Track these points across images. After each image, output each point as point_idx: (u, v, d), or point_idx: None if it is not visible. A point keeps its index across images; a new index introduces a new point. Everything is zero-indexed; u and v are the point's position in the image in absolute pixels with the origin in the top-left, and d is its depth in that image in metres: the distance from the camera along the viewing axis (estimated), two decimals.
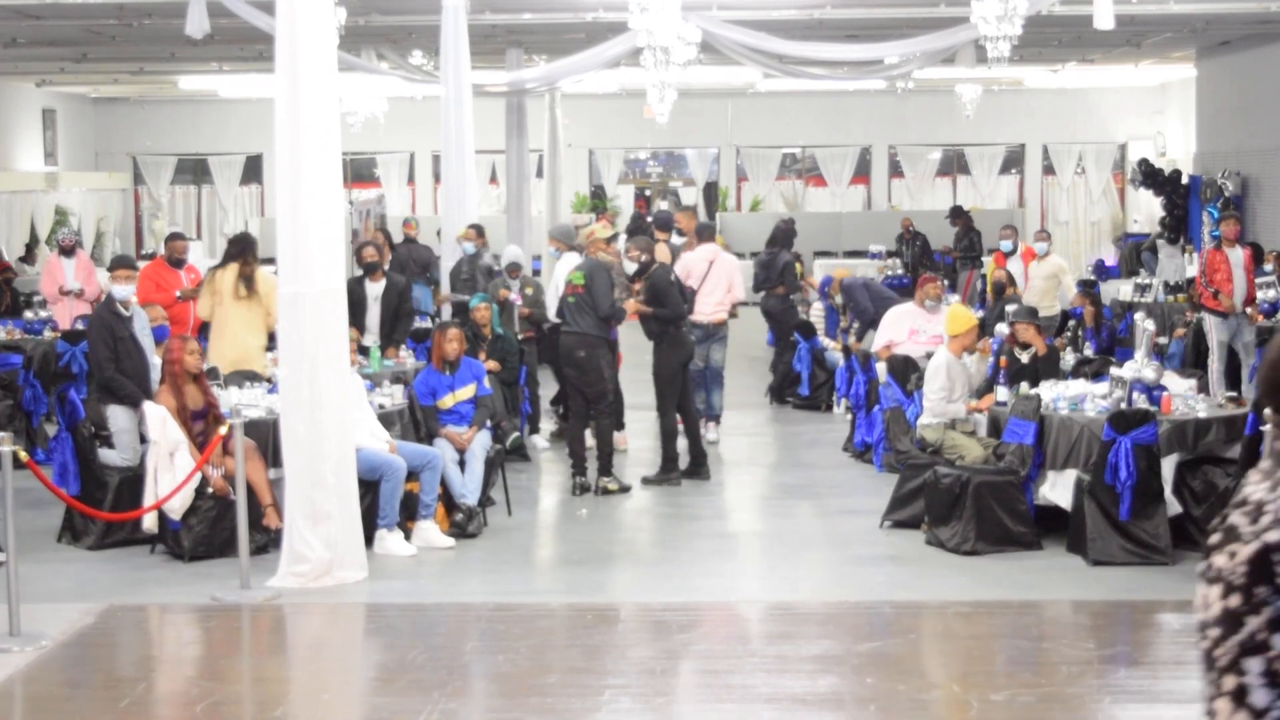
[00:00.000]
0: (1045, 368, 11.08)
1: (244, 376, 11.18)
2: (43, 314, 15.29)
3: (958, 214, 24.02)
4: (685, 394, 12.03)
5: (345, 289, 9.00)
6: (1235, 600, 2.60)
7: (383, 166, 30.11)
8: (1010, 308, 13.48)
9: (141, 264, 14.30)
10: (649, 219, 17.99)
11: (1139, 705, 6.80)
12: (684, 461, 11.84)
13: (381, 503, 9.55)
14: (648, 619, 8.35)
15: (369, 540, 9.54)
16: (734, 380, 16.89)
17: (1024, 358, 11.25)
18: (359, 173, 29.98)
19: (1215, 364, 13.99)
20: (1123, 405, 9.48)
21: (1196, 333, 15.00)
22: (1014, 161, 30.69)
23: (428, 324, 14.69)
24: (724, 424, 14.15)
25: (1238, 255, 14.02)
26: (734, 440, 14.20)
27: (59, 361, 13.60)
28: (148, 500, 9.27)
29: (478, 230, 14.89)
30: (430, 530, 9.73)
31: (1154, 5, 16.42)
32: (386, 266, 14.51)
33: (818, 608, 8.44)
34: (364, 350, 12.45)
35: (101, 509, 9.61)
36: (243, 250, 11.78)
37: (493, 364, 12.04)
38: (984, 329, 13.83)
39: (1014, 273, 15.94)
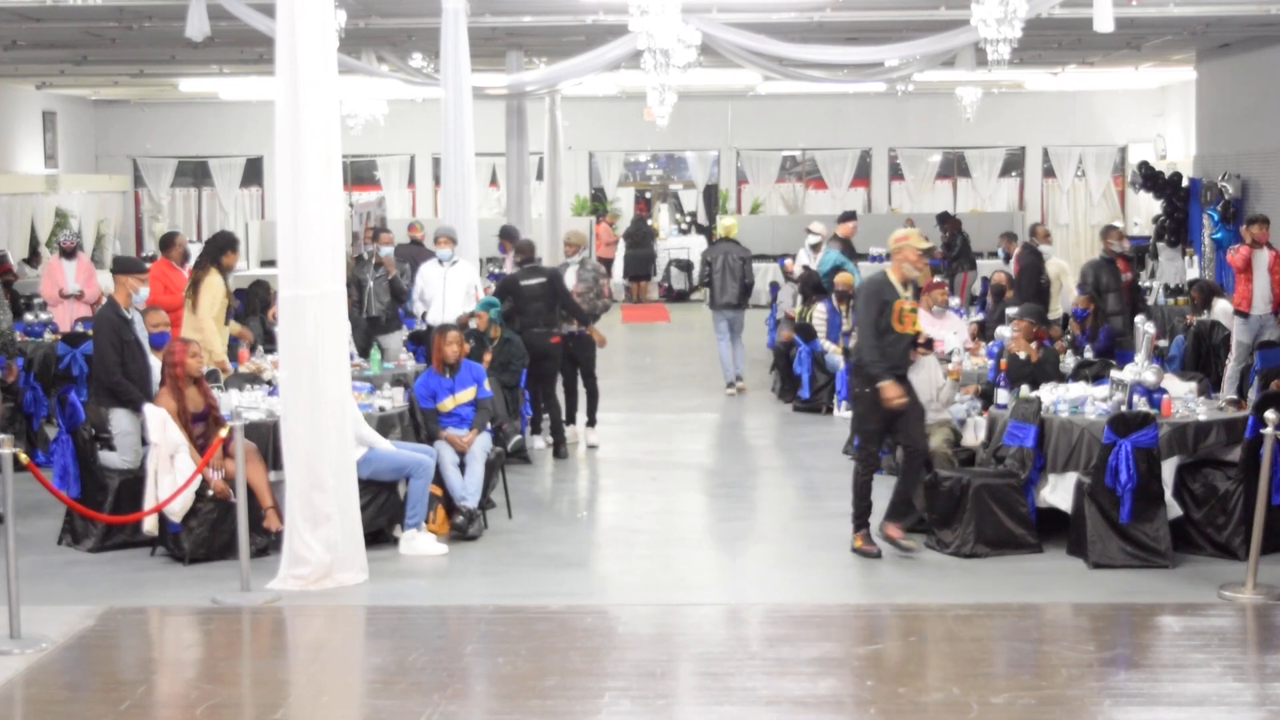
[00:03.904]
0: (1042, 370, 11.08)
1: (244, 379, 11.20)
2: (43, 316, 15.29)
3: (945, 219, 24.11)
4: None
5: (345, 292, 8.99)
6: None
7: (383, 169, 30.13)
8: (1010, 310, 13.50)
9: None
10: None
11: (1139, 708, 6.79)
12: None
13: (411, 501, 9.61)
14: (647, 621, 8.35)
15: (393, 541, 9.68)
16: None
17: (1022, 355, 11.25)
18: (359, 175, 30.00)
19: (1233, 364, 14.01)
20: (1123, 408, 9.48)
21: (1196, 335, 15.01)
22: (1014, 164, 30.71)
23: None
24: (722, 425, 14.17)
25: (1263, 257, 14.05)
26: (734, 442, 14.21)
27: (59, 364, 13.61)
28: (148, 503, 9.26)
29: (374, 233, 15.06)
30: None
31: (1154, 8, 16.42)
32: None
33: (818, 610, 8.44)
34: (364, 353, 12.47)
35: (102, 511, 9.60)
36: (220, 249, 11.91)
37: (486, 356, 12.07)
38: (984, 331, 13.87)
39: (1008, 277, 15.97)
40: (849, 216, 18.55)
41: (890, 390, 9.18)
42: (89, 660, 7.69)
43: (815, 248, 17.10)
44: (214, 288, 11.65)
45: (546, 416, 13.24)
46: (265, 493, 9.42)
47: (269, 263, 10.64)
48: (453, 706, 6.79)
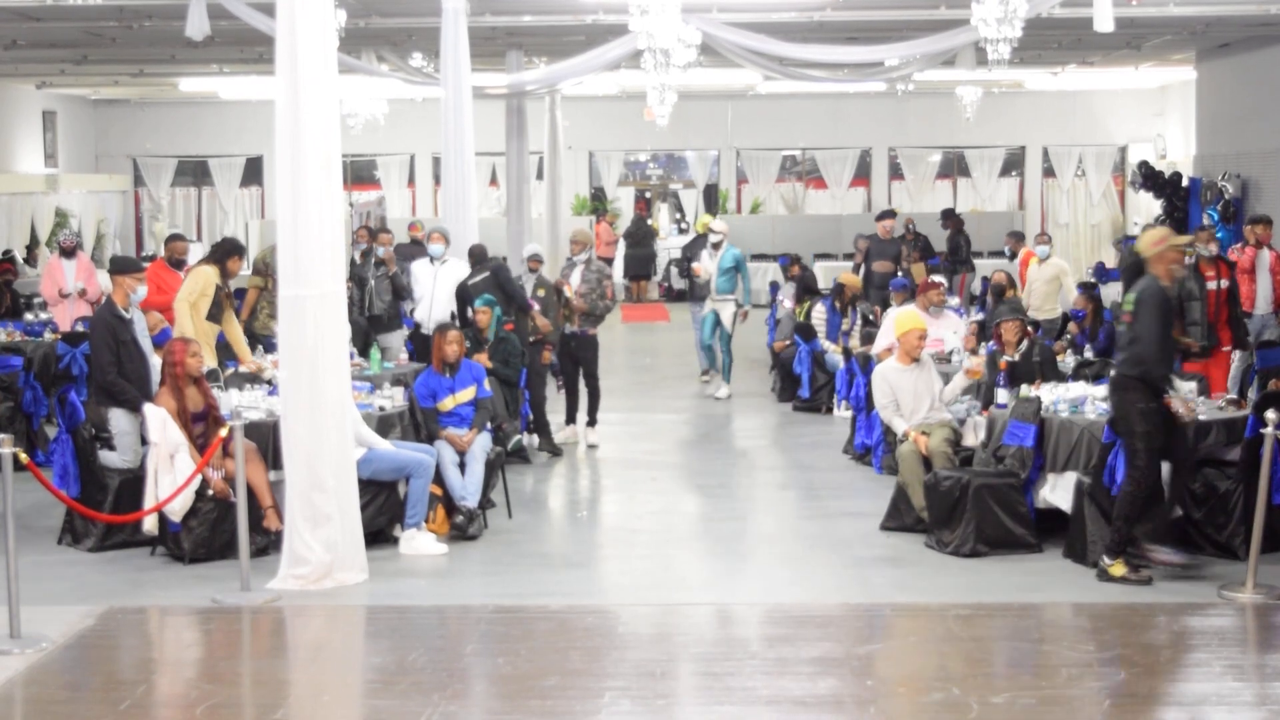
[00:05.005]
0: (1037, 368, 11.08)
1: (244, 379, 11.19)
2: (43, 316, 15.29)
3: (949, 216, 24.09)
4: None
5: (345, 292, 8.99)
6: None
7: (383, 168, 30.14)
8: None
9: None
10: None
11: (1139, 708, 6.79)
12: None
13: (412, 500, 9.61)
14: (647, 621, 8.35)
15: (393, 541, 9.68)
16: (736, 383, 16.90)
17: (1015, 356, 11.26)
18: (359, 175, 30.00)
19: (1236, 364, 14.00)
20: None
21: None
22: (1014, 164, 30.72)
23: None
24: (722, 424, 14.16)
25: (1265, 257, 14.05)
26: (733, 441, 14.20)
27: (59, 364, 13.61)
28: (148, 502, 9.27)
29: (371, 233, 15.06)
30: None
31: (1154, 8, 16.43)
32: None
33: (818, 610, 8.44)
34: (364, 352, 12.46)
35: (102, 511, 9.60)
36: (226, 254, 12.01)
37: (481, 357, 12.03)
38: (984, 331, 13.87)
39: (1009, 276, 15.97)
40: (888, 215, 18.58)
41: (1178, 403, 8.91)
42: (89, 660, 7.69)
43: (716, 246, 16.93)
44: (201, 276, 11.72)
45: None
46: (265, 492, 9.42)
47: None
48: (453, 706, 6.79)
